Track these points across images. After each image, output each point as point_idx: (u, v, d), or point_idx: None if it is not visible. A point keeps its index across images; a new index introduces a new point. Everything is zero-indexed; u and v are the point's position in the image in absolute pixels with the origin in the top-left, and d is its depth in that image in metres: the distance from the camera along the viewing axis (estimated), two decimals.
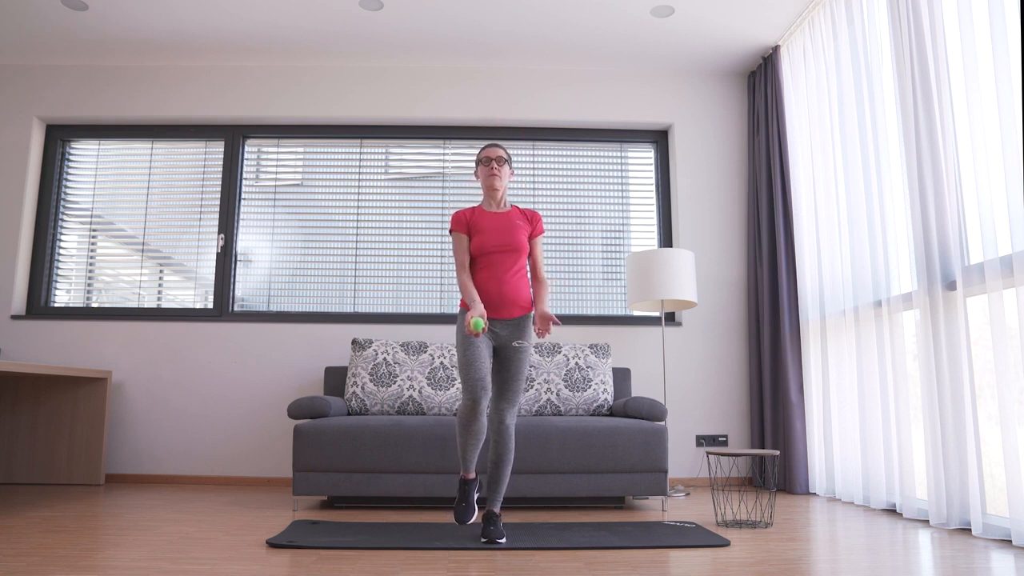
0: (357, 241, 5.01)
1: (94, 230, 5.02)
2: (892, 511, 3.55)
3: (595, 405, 4.10)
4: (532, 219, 2.90)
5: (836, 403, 4.03)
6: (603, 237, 5.06)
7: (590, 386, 4.11)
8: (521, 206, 5.02)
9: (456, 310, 4.95)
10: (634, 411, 3.79)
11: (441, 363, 4.16)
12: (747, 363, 4.86)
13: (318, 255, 4.99)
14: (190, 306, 4.92)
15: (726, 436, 4.77)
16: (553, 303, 4.96)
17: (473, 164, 5.12)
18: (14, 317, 4.77)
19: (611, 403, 4.13)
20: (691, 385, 4.81)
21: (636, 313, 4.96)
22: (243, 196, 5.06)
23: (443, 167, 5.11)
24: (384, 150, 5.14)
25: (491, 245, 2.79)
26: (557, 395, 4.09)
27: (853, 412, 3.88)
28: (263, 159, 5.12)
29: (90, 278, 4.97)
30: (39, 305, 4.89)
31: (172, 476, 4.64)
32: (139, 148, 5.12)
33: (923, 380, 3.22)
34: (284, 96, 5.05)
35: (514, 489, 3.48)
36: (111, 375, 4.62)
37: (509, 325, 2.80)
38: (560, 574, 2.20)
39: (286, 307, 4.93)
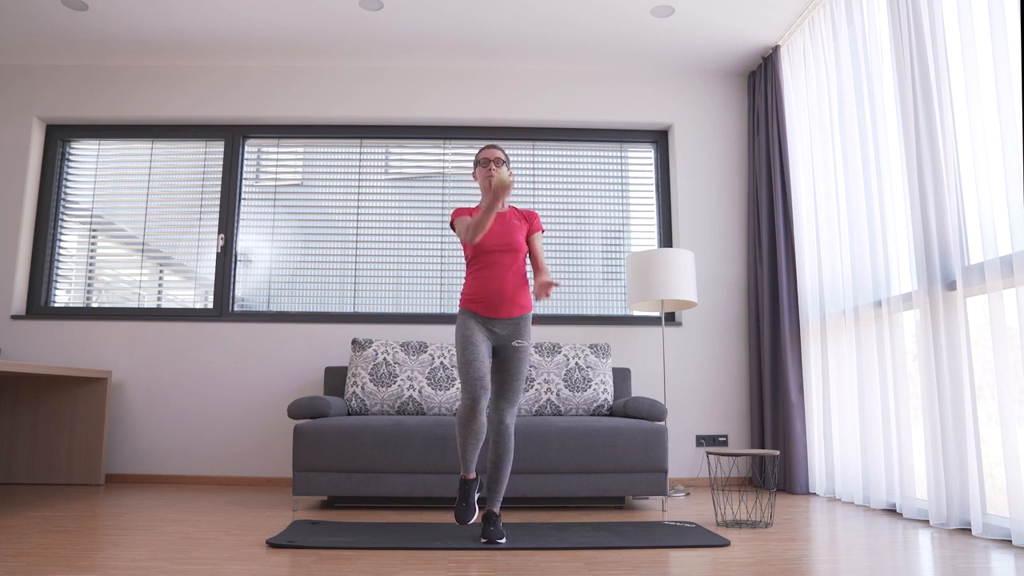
0: (357, 241, 5.01)
1: (94, 230, 5.02)
2: (892, 511, 3.55)
3: (595, 405, 4.10)
4: (529, 217, 2.91)
5: (836, 403, 4.03)
6: (603, 237, 5.06)
7: (590, 386, 4.11)
8: (521, 206, 5.03)
9: (455, 310, 4.95)
10: (634, 411, 3.79)
11: (441, 363, 4.16)
12: (747, 363, 4.86)
13: (318, 255, 4.99)
14: (190, 306, 4.92)
15: (726, 436, 4.77)
16: (553, 303, 4.96)
17: (472, 165, 5.12)
18: (14, 317, 4.77)
19: (611, 403, 4.13)
20: (691, 385, 4.81)
21: (636, 313, 4.96)
22: (243, 196, 5.06)
23: (443, 167, 5.11)
24: (384, 150, 5.14)
25: (490, 245, 2.79)
26: (557, 395, 4.09)
27: (853, 412, 3.88)
28: (263, 159, 5.12)
29: (90, 278, 4.97)
30: (39, 305, 4.89)
31: (172, 476, 4.64)
32: (139, 148, 5.12)
33: (923, 380, 3.22)
34: (284, 96, 5.05)
35: (514, 489, 3.48)
36: (111, 375, 4.62)
37: (509, 325, 2.80)
38: (560, 574, 2.20)
39: (286, 307, 4.93)
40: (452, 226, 2.90)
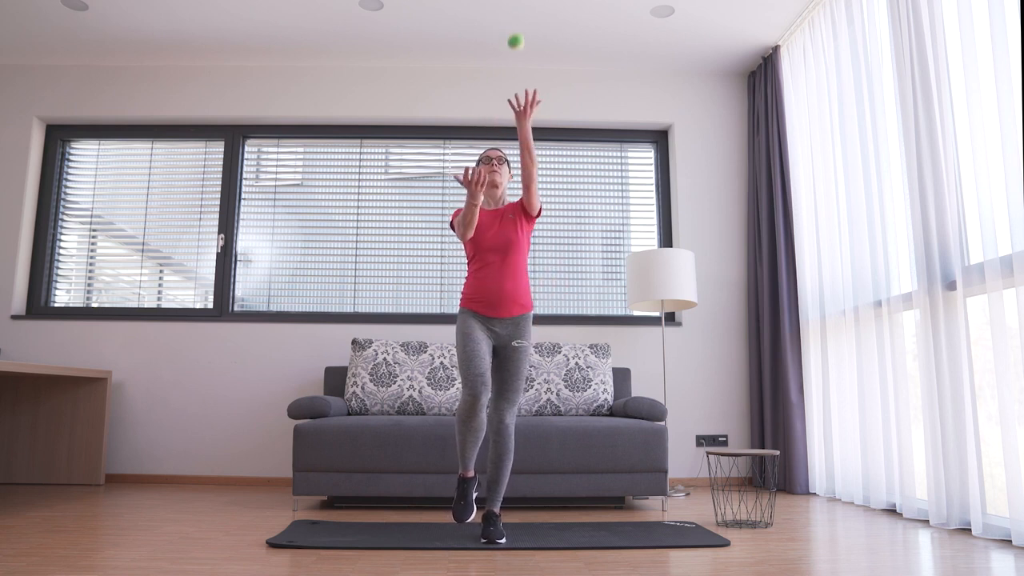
0: (357, 241, 5.01)
1: (94, 230, 5.02)
2: (892, 511, 3.55)
3: (595, 405, 4.10)
4: (519, 201, 2.90)
5: (836, 403, 4.03)
6: (603, 237, 5.06)
7: (590, 386, 4.11)
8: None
9: (455, 310, 4.95)
10: (634, 411, 3.79)
11: (441, 363, 4.16)
12: (747, 363, 4.86)
13: (318, 255, 4.99)
14: (190, 306, 4.92)
15: (726, 436, 4.77)
16: (553, 303, 4.96)
17: (473, 165, 5.12)
18: (14, 317, 4.77)
19: (611, 403, 4.13)
20: (691, 385, 4.81)
21: (636, 313, 4.96)
22: (243, 196, 5.06)
23: (443, 167, 5.11)
24: (384, 150, 5.14)
25: (489, 244, 2.80)
26: (557, 395, 4.09)
27: (853, 412, 3.88)
28: (263, 159, 5.12)
29: (90, 278, 4.97)
30: (39, 305, 4.89)
31: (172, 476, 4.64)
32: (139, 148, 5.12)
33: (923, 380, 3.22)
34: (284, 96, 5.05)
35: (514, 489, 3.48)
36: (111, 375, 4.62)
37: (509, 324, 2.80)
38: (560, 574, 2.20)
39: (286, 307, 4.93)
40: (452, 227, 2.91)
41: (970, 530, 3.01)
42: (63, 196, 5.06)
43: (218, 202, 5.02)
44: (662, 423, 4.16)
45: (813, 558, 2.43)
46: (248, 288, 4.96)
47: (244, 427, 4.69)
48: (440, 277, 4.98)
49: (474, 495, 2.75)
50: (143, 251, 4.99)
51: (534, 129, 5.12)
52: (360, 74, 5.09)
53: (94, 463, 4.46)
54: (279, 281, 4.97)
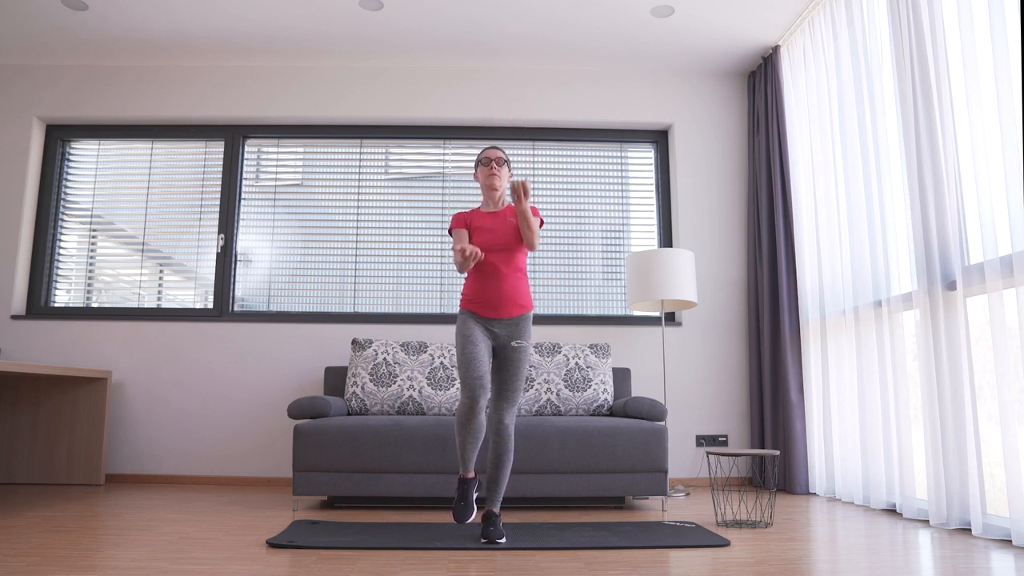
0: (357, 241, 5.01)
1: (94, 230, 5.02)
2: (892, 511, 3.55)
3: (595, 405, 4.10)
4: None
5: (836, 403, 4.03)
6: (603, 237, 5.06)
7: (590, 386, 4.11)
8: None
9: (456, 310, 4.95)
10: (634, 411, 3.79)
11: (441, 363, 4.16)
12: (747, 363, 4.86)
13: (318, 255, 4.99)
14: (190, 306, 4.92)
15: (726, 436, 4.77)
16: (553, 303, 4.96)
17: (472, 165, 5.12)
18: (14, 317, 4.77)
19: (611, 403, 4.13)
20: (691, 385, 4.81)
21: (636, 313, 4.96)
22: (243, 196, 5.06)
23: (443, 167, 5.11)
24: (384, 150, 5.14)
25: (489, 245, 2.80)
26: (557, 395, 4.09)
27: (853, 412, 3.88)
28: (263, 159, 5.12)
29: (90, 278, 4.97)
30: (39, 305, 4.89)
31: (172, 476, 4.64)
32: (139, 148, 5.12)
33: (923, 380, 3.22)
34: (284, 96, 5.05)
35: (514, 489, 3.48)
36: (111, 375, 4.62)
37: (508, 325, 2.80)
38: (560, 574, 2.20)
39: (286, 307, 4.93)
40: (450, 232, 2.91)
41: (970, 530, 3.01)
42: (63, 196, 5.06)
43: (218, 202, 5.02)
44: (662, 423, 4.16)
45: (813, 558, 2.43)
46: (248, 288, 4.96)
47: (244, 427, 4.69)
48: (440, 277, 4.98)
49: (475, 495, 2.75)
50: (143, 251, 4.99)
51: (534, 129, 5.13)
52: (360, 74, 5.09)
53: (94, 463, 4.46)
54: (279, 281, 4.97)
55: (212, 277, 4.94)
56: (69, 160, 5.12)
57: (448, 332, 4.79)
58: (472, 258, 2.62)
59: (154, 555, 2.41)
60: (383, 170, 5.11)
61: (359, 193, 5.07)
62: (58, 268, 4.98)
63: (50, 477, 4.47)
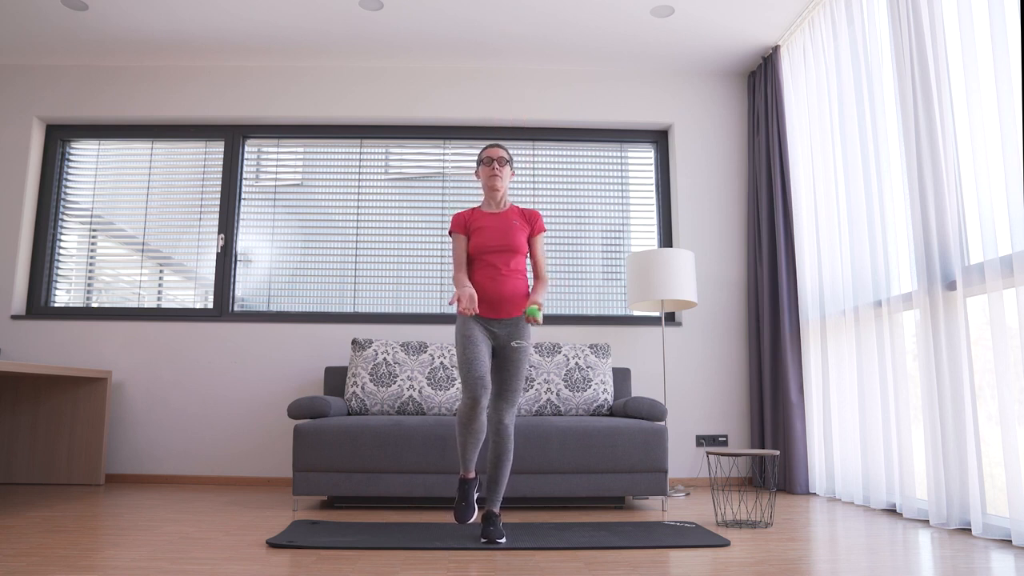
0: (357, 241, 5.01)
1: (94, 230, 5.02)
2: (892, 511, 3.55)
3: (595, 405, 4.10)
4: (531, 219, 2.90)
5: (836, 403, 4.03)
6: (603, 237, 5.06)
7: (590, 386, 4.11)
8: (521, 206, 5.02)
9: (455, 310, 4.95)
10: (634, 411, 3.79)
11: (441, 363, 4.16)
12: (747, 363, 4.86)
13: (318, 255, 4.99)
14: (190, 306, 4.92)
15: (726, 436, 4.77)
16: (553, 303, 4.96)
17: (473, 164, 5.12)
18: (14, 317, 4.77)
19: (611, 403, 4.13)
20: (691, 385, 4.81)
21: (636, 313, 4.96)
22: (243, 196, 5.06)
23: (443, 167, 5.11)
24: (384, 150, 5.14)
25: (489, 245, 2.79)
26: (557, 395, 4.09)
27: (853, 412, 3.88)
28: (263, 159, 5.12)
29: (90, 278, 4.97)
30: (39, 305, 4.89)
31: (172, 476, 4.64)
32: (139, 148, 5.12)
33: (923, 380, 3.22)
34: (284, 96, 5.05)
35: (514, 489, 3.48)
36: (111, 375, 4.62)
37: (508, 325, 2.80)
38: (560, 574, 2.20)
39: (286, 307, 4.93)
40: (450, 233, 2.91)
41: (970, 530, 3.01)
42: (63, 196, 5.06)
43: (218, 202, 5.02)
44: (662, 423, 4.16)
45: (813, 558, 2.43)
46: (248, 288, 4.96)
47: (244, 427, 4.69)
48: (440, 277, 4.98)
49: (475, 495, 2.75)
50: (143, 251, 4.99)
51: (534, 129, 5.13)
52: (360, 74, 5.09)
53: (94, 463, 4.46)
54: (279, 281, 4.97)
55: (212, 277, 4.94)
56: (69, 160, 5.12)
57: (448, 332, 4.79)
58: (466, 309, 2.64)
59: (154, 555, 2.41)
60: (383, 170, 5.11)
61: (359, 193, 5.07)
62: (58, 268, 4.98)
63: (50, 477, 4.47)
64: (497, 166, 2.85)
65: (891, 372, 3.49)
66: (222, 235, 4.97)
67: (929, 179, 3.20)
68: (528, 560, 2.40)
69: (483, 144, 5.16)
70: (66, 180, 5.08)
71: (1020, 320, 2.63)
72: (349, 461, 3.45)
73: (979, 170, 2.95)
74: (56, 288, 4.96)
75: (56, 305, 4.93)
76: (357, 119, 5.06)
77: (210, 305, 4.91)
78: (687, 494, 4.24)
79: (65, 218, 5.04)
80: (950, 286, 3.13)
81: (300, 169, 5.10)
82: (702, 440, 4.75)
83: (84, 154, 5.12)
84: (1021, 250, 2.67)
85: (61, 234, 5.02)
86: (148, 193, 5.05)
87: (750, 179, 4.89)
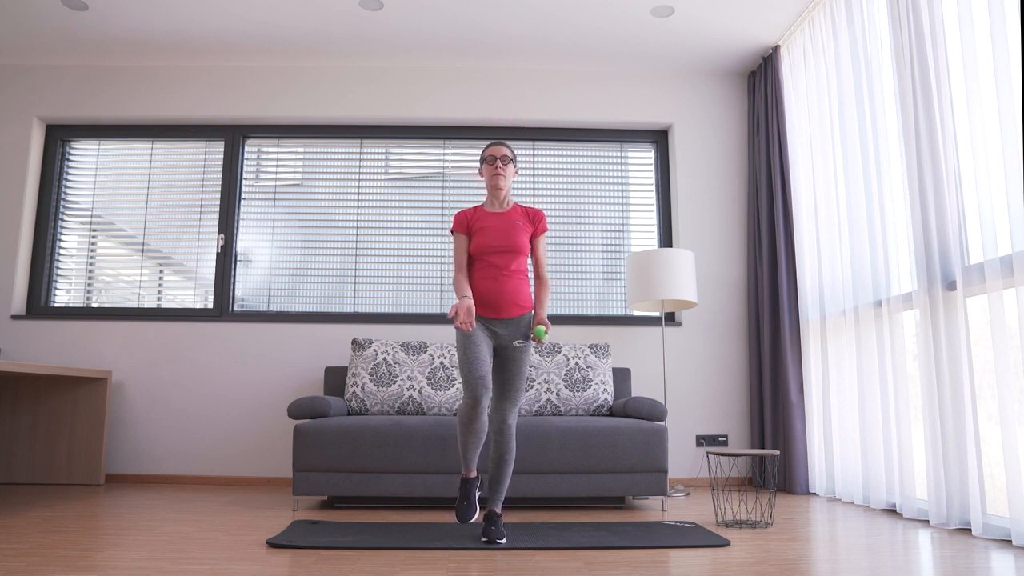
0: (357, 241, 5.01)
1: (94, 230, 5.02)
2: (892, 511, 3.55)
3: (595, 405, 4.10)
4: (534, 218, 2.89)
5: (836, 403, 4.03)
6: (603, 237, 5.06)
7: (590, 386, 4.11)
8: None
9: (454, 324, 4.95)
10: (634, 411, 3.79)
11: (441, 363, 4.16)
12: (747, 363, 4.86)
13: (318, 255, 4.99)
14: (190, 306, 4.92)
15: (726, 436, 4.77)
16: (553, 303, 4.96)
17: (473, 164, 5.12)
18: (14, 317, 4.77)
19: (611, 403, 4.13)
20: (691, 385, 4.81)
21: (636, 313, 4.96)
22: (243, 196, 5.06)
23: (443, 167, 5.11)
24: (384, 150, 5.14)
25: (491, 245, 2.79)
26: (557, 395, 4.08)
27: (853, 412, 3.88)
28: (263, 159, 5.12)
29: (90, 278, 4.97)
30: (39, 305, 4.89)
31: (172, 476, 4.64)
32: (139, 148, 5.12)
33: (923, 380, 3.22)
34: (284, 96, 5.05)
35: (514, 489, 3.48)
36: (111, 375, 4.62)
37: (509, 325, 2.80)
38: (560, 574, 2.20)
39: (286, 307, 4.93)
40: (452, 232, 2.90)
41: (970, 530, 3.01)
42: (63, 196, 5.06)
43: (218, 202, 5.02)
44: (662, 423, 4.16)
45: (813, 558, 2.43)
46: (248, 288, 4.96)
47: (244, 427, 4.69)
48: (440, 277, 4.98)
49: (476, 495, 2.75)
50: (143, 251, 4.99)
51: (534, 129, 5.13)
52: (360, 74, 5.09)
53: (94, 463, 4.46)
54: (279, 281, 4.97)
55: (212, 277, 4.94)
56: (69, 160, 5.12)
57: (448, 332, 4.79)
58: (463, 322, 2.65)
59: (154, 555, 2.41)
60: (383, 170, 5.11)
61: (359, 193, 5.07)
62: (58, 268, 4.98)
63: (50, 477, 4.47)
64: (500, 165, 2.83)
65: (891, 372, 3.49)
66: (222, 235, 4.97)
67: (929, 179, 3.20)
68: (528, 560, 2.40)
69: (483, 144, 5.16)
70: (66, 180, 5.08)
71: (1020, 320, 2.63)
72: (349, 461, 3.45)
73: (979, 170, 2.95)
74: (56, 288, 4.96)
75: (56, 305, 4.93)
76: (357, 119, 5.06)
77: (210, 305, 4.91)
78: (687, 494, 4.24)
79: (65, 218, 5.04)
80: (950, 286, 3.13)
81: (300, 169, 5.10)
82: (702, 440, 4.75)
83: (84, 154, 5.12)
84: (1021, 250, 2.67)
85: (61, 234, 5.02)
86: (148, 193, 5.05)
87: (750, 179, 4.89)
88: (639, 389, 4.79)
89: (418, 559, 2.40)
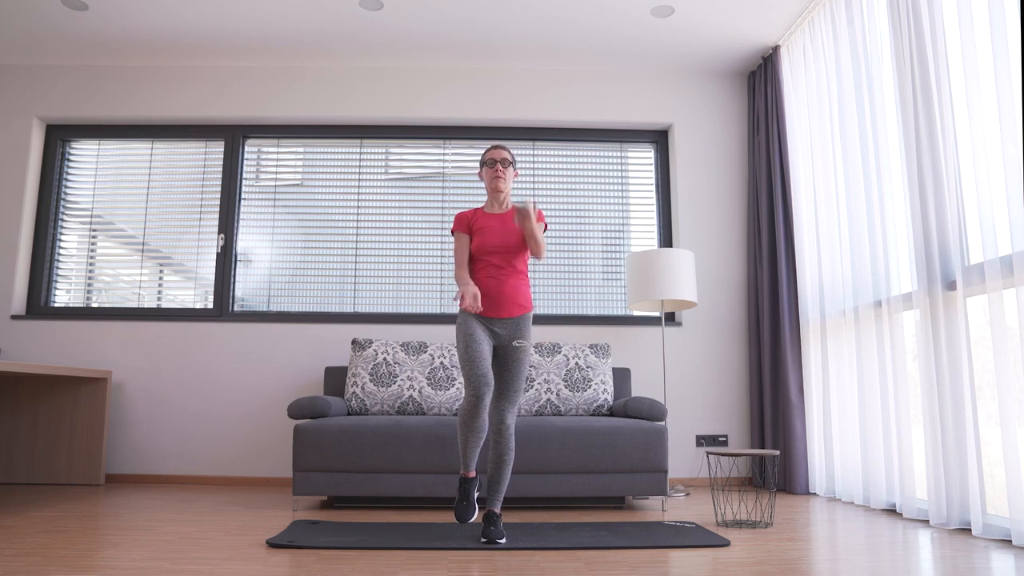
0: (357, 241, 5.01)
1: (94, 230, 5.02)
2: (892, 511, 3.55)
3: (595, 405, 4.10)
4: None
5: (836, 403, 4.03)
6: (603, 237, 5.06)
7: (590, 386, 4.11)
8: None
9: (456, 310, 4.95)
10: (634, 411, 3.79)
11: (441, 363, 4.16)
12: (747, 363, 4.86)
13: (318, 255, 4.99)
14: (190, 306, 4.92)
15: (726, 436, 4.77)
16: (553, 303, 4.96)
17: (473, 164, 5.12)
18: (14, 317, 4.77)
19: (611, 403, 4.13)
20: (691, 385, 4.81)
21: (636, 313, 4.96)
22: (243, 196, 5.06)
23: (443, 167, 5.11)
24: (384, 150, 5.14)
25: (491, 245, 2.81)
26: (557, 395, 4.09)
27: (853, 412, 3.88)
28: (263, 159, 5.12)
29: (90, 278, 4.97)
30: (39, 305, 4.89)
31: (172, 476, 4.64)
32: (139, 148, 5.12)
33: (923, 380, 3.22)
34: (284, 96, 5.05)
35: (514, 489, 3.48)
36: (111, 375, 4.62)
37: (509, 324, 2.80)
38: (560, 574, 2.20)
39: (286, 307, 4.93)
40: (452, 232, 2.92)
41: (970, 530, 3.01)
42: (63, 196, 5.06)
43: (218, 202, 5.02)
44: (662, 423, 4.16)
45: (813, 558, 2.43)
46: (248, 288, 4.96)
47: (244, 427, 4.69)
48: (440, 277, 4.98)
49: (476, 495, 2.75)
50: (143, 251, 4.99)
51: (534, 129, 5.12)
52: (360, 74, 5.09)
53: (94, 463, 4.46)
54: (279, 281, 4.97)
55: (212, 277, 4.94)
56: (69, 160, 5.12)
57: (448, 332, 4.79)
58: (469, 307, 2.65)
59: (154, 555, 2.42)
60: (383, 170, 5.11)
61: (359, 193, 5.07)
62: (58, 268, 4.98)
63: (50, 477, 4.47)
64: (500, 167, 2.87)
65: (891, 372, 3.49)
66: (222, 235, 4.97)
67: (929, 179, 3.20)
68: (528, 560, 2.40)
69: (483, 144, 5.16)
70: (66, 180, 5.08)
71: (1020, 320, 2.63)
72: (349, 461, 3.45)
73: (979, 170, 2.95)
74: (56, 288, 4.96)
75: (56, 305, 4.93)
76: (357, 119, 5.07)
77: (210, 305, 4.91)
78: (687, 494, 4.24)
79: (65, 218, 5.04)
80: (950, 286, 3.13)
81: (300, 169, 5.10)
82: (702, 440, 4.75)
83: (84, 154, 5.12)
84: (1021, 250, 2.67)
85: (61, 234, 5.02)
86: (148, 193, 5.05)
87: (750, 179, 4.89)
88: (639, 389, 4.79)
89: (418, 559, 2.40)
